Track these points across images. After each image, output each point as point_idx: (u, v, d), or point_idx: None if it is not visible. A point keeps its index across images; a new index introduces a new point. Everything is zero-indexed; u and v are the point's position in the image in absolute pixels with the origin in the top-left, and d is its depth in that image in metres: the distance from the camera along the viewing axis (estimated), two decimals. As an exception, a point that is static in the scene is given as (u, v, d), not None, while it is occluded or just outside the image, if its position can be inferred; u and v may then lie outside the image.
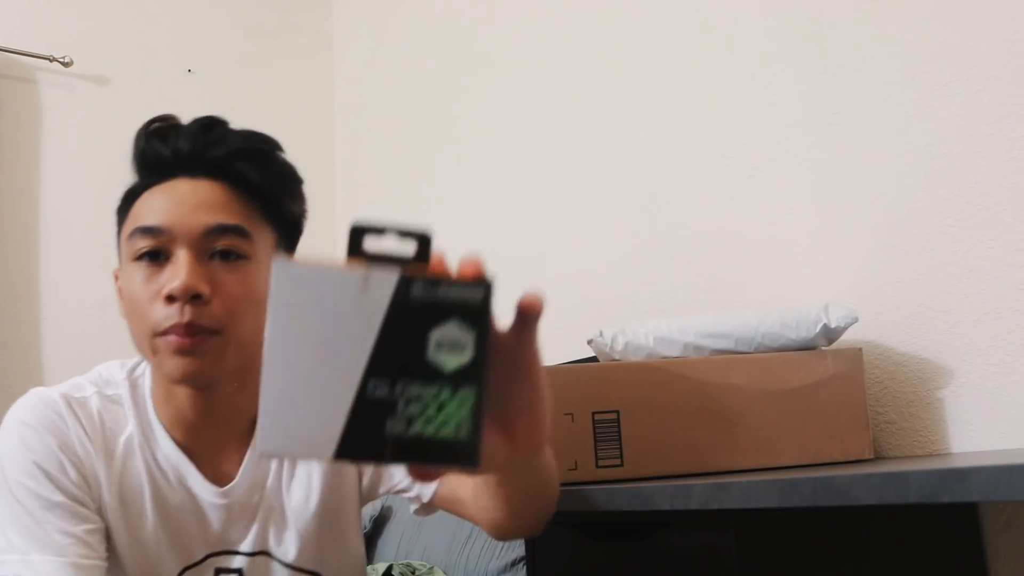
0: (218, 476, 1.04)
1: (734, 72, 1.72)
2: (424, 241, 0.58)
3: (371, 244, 0.56)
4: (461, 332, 0.55)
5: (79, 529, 0.94)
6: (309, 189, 1.08)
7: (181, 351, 0.92)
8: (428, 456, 0.53)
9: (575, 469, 1.26)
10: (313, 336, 0.53)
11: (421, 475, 0.58)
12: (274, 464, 1.06)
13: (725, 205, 1.73)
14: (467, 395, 0.53)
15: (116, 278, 1.04)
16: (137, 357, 1.06)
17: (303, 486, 1.08)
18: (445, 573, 1.73)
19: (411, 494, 1.11)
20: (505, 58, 2.38)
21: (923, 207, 1.40)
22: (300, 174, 1.03)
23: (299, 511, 1.07)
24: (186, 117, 1.05)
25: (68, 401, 0.98)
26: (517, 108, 2.31)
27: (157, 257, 0.94)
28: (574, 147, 2.11)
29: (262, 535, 1.05)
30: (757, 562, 1.05)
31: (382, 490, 1.13)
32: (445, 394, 0.53)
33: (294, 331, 0.53)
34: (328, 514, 1.09)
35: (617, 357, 1.36)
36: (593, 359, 1.45)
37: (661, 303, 1.84)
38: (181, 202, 0.95)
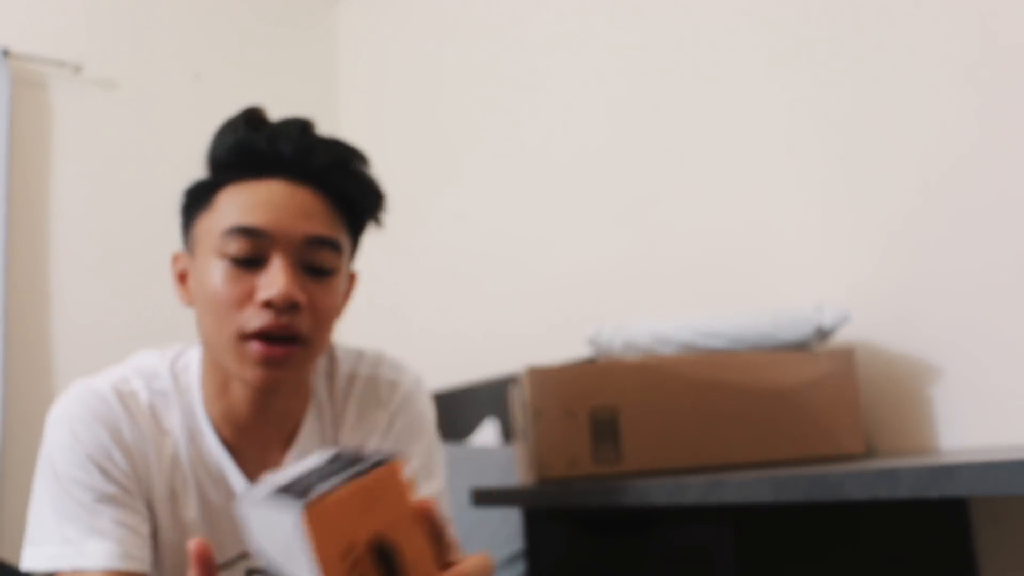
0: (259, 476, 1.03)
1: (733, 73, 1.74)
2: None
3: None
4: None
5: (131, 520, 0.94)
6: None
7: (268, 361, 0.91)
8: None
9: (574, 465, 1.28)
10: None
11: None
12: (313, 467, 1.05)
13: (721, 206, 1.74)
14: None
15: (175, 260, 1.01)
16: (176, 347, 1.05)
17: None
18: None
19: None
20: (505, 59, 2.39)
21: (916, 208, 1.41)
22: (383, 188, 1.02)
23: None
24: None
25: (119, 393, 0.97)
26: (516, 108, 2.32)
27: (251, 258, 0.92)
28: (573, 147, 2.12)
29: None
30: (753, 556, 1.07)
31: None
32: None
33: None
34: None
35: (615, 355, 1.38)
36: (592, 358, 1.47)
37: (659, 302, 1.85)
38: (283, 206, 0.92)
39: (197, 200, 0.98)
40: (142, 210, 2.72)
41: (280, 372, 0.93)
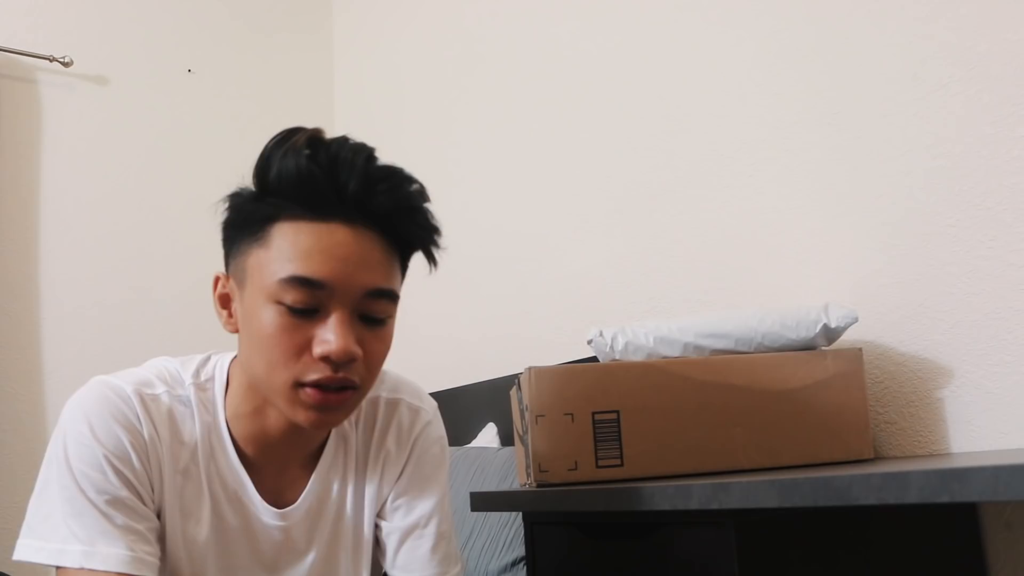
0: (275, 496, 1.01)
1: (734, 72, 1.72)
2: None
3: None
4: None
5: (142, 525, 0.92)
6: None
7: (323, 407, 0.90)
8: None
9: (575, 469, 1.26)
10: None
11: None
12: (335, 488, 1.05)
13: (725, 205, 1.72)
14: None
15: (217, 282, 0.97)
16: (197, 357, 1.02)
17: (352, 512, 1.06)
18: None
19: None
20: (505, 58, 2.38)
21: (923, 207, 1.40)
22: (440, 224, 0.97)
23: (347, 535, 1.06)
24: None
25: (141, 395, 0.95)
26: (517, 108, 2.31)
27: (310, 310, 0.88)
28: (575, 147, 2.11)
29: (319, 562, 1.03)
30: (757, 562, 1.05)
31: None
32: None
33: None
34: (359, 533, 1.08)
35: (617, 357, 1.36)
36: (593, 359, 1.45)
37: (661, 303, 1.84)
38: (345, 257, 0.88)
39: (247, 226, 0.92)
40: (132, 206, 2.72)
41: (334, 417, 0.93)
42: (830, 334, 1.34)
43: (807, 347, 1.34)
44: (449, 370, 2.35)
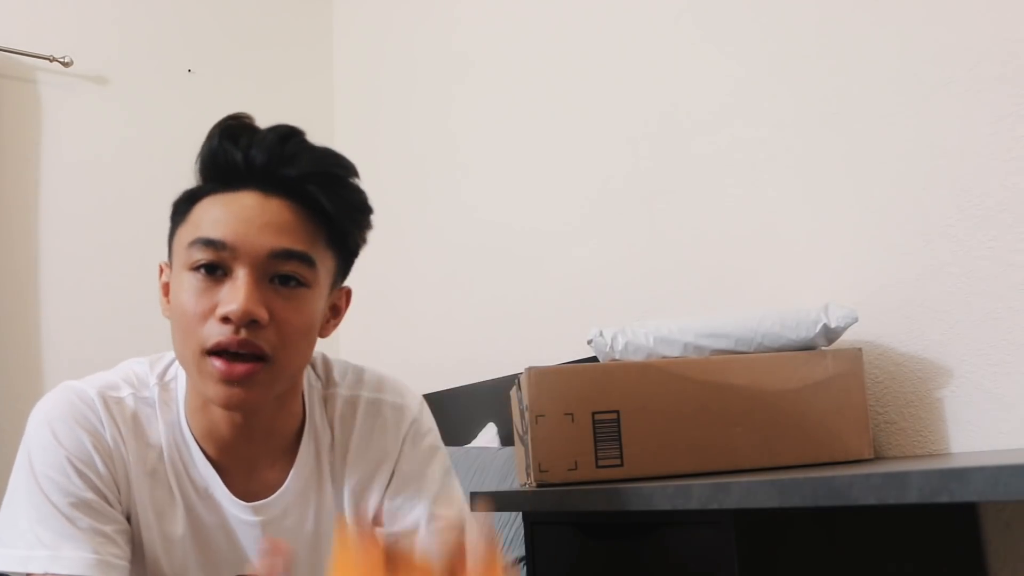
0: (248, 494, 0.99)
1: (734, 72, 1.72)
2: None
3: None
4: None
5: (108, 528, 0.91)
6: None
7: (228, 380, 0.88)
8: None
9: (575, 469, 1.26)
10: None
11: None
12: (314, 488, 1.03)
13: (725, 205, 1.72)
14: None
15: (161, 272, 0.99)
16: (165, 356, 1.02)
17: (333, 510, 1.04)
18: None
19: None
20: (505, 58, 2.38)
21: (923, 207, 1.40)
22: (370, 203, 0.98)
23: (327, 532, 1.04)
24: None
25: (104, 398, 0.95)
26: (517, 109, 2.31)
27: (215, 271, 0.89)
28: (575, 147, 2.11)
29: (302, 561, 1.02)
30: (757, 562, 1.05)
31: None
32: None
33: None
34: (327, 536, 1.05)
35: (617, 357, 1.36)
36: (593, 359, 1.45)
37: (661, 303, 1.84)
38: (248, 219, 0.89)
39: (177, 212, 0.95)
40: (132, 206, 2.71)
41: (243, 391, 0.89)
42: (830, 334, 1.34)
43: (807, 347, 1.34)
44: (449, 370, 2.35)
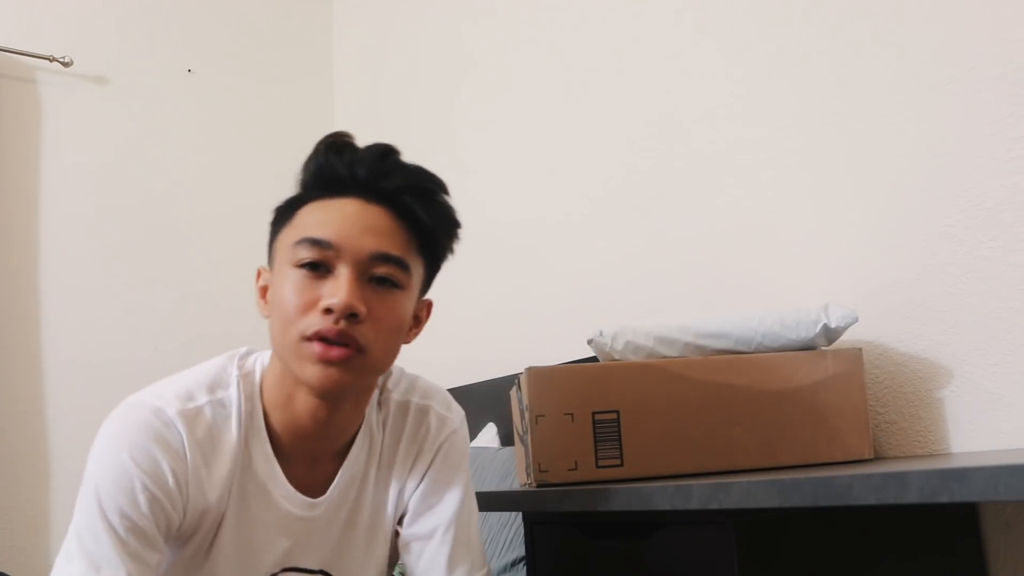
0: (306, 488, 1.05)
1: (734, 72, 1.72)
2: None
3: None
4: None
5: (153, 558, 0.95)
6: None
7: (326, 360, 0.94)
8: None
9: (575, 469, 1.26)
10: None
11: None
12: (359, 482, 1.09)
13: (725, 205, 1.72)
14: None
15: (259, 276, 1.06)
16: (242, 349, 1.08)
17: (371, 507, 1.10)
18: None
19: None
20: (504, 58, 2.38)
21: (923, 207, 1.40)
22: (459, 218, 1.07)
23: (363, 526, 1.10)
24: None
25: (184, 416, 0.98)
26: (516, 109, 2.31)
27: (318, 268, 0.96)
28: (575, 147, 2.11)
29: (334, 554, 1.08)
30: (757, 562, 1.05)
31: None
32: None
33: None
34: (377, 530, 1.12)
35: (617, 357, 1.36)
36: (593, 359, 1.45)
37: (661, 303, 1.84)
38: (351, 222, 0.98)
39: (281, 217, 1.03)
40: (132, 206, 2.71)
41: (339, 372, 0.95)
42: (830, 334, 1.34)
43: (807, 347, 1.34)
44: (449, 370, 2.35)
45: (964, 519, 1.27)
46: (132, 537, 0.93)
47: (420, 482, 1.11)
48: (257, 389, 1.04)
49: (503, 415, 1.93)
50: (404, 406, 1.12)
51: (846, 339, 1.40)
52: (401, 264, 0.99)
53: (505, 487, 1.72)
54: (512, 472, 1.75)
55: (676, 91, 1.85)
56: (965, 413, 1.33)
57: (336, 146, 1.02)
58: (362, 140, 1.04)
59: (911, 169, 1.41)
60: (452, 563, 1.10)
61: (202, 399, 1.00)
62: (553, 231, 2.16)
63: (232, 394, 1.02)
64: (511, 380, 1.42)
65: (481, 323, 2.36)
